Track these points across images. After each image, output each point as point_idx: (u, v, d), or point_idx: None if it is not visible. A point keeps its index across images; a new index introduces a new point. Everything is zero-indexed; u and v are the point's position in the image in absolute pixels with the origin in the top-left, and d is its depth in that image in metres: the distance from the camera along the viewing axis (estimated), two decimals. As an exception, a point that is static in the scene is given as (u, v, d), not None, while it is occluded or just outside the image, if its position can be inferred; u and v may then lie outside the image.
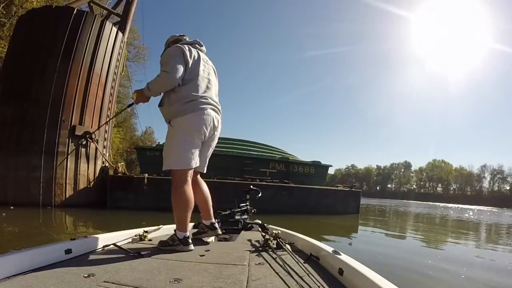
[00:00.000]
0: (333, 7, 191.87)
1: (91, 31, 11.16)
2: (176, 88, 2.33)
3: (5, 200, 9.09)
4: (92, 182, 10.79)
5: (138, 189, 10.13)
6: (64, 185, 10.00)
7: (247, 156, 13.82)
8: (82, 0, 13.95)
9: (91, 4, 14.66)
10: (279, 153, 16.44)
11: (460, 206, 62.02)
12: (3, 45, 17.36)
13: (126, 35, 13.94)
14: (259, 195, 4.05)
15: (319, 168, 16.08)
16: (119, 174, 11.04)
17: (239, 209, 3.62)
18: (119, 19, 14.77)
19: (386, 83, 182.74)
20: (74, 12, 11.10)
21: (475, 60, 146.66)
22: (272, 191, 11.97)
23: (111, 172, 11.20)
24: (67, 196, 10.04)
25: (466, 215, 24.51)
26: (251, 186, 4.09)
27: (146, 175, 10.15)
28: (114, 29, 12.24)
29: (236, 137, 15.84)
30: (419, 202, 75.91)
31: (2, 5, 19.74)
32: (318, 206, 12.80)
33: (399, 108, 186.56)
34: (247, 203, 3.87)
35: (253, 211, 3.87)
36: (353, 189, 15.62)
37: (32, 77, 10.23)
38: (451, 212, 28.66)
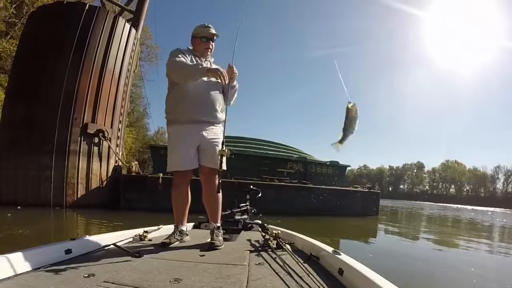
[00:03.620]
0: (338, 3, 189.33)
1: (103, 27, 10.82)
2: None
3: (15, 200, 8.80)
4: (105, 182, 10.43)
5: (153, 189, 9.70)
6: (75, 185, 9.67)
7: (264, 155, 13.35)
8: (94, -4, 13.72)
9: (103, 0, 14.42)
10: (296, 153, 15.94)
11: (475, 207, 60.43)
12: (14, 45, 17.22)
13: (139, 32, 13.62)
14: (259, 195, 4.04)
15: (337, 168, 15.52)
16: (133, 174, 10.69)
17: (239, 209, 3.63)
18: (131, 16, 14.49)
19: (397, 82, 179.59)
20: (86, 7, 10.76)
21: (486, 59, 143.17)
22: (291, 192, 11.55)
23: (124, 172, 10.86)
24: (78, 196, 9.72)
25: (488, 217, 23.55)
26: (251, 186, 4.07)
27: (161, 174, 9.73)
28: (127, 26, 11.88)
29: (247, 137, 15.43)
30: (432, 203, 74.18)
31: (13, 6, 19.71)
32: (337, 208, 12.26)
33: (411, 107, 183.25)
34: (247, 203, 3.87)
35: (253, 211, 3.87)
36: (372, 190, 15.14)
37: (43, 74, 9.93)
38: (472, 214, 27.69)
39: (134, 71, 13.20)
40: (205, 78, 2.46)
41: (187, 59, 2.48)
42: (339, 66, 2.72)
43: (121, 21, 11.53)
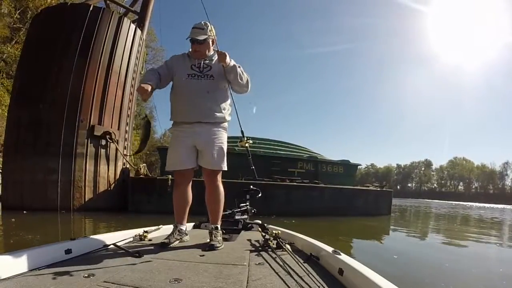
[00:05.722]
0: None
1: (108, 28, 10.62)
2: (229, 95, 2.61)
3: (21, 205, 8.64)
4: (113, 185, 10.22)
5: (162, 191, 9.45)
6: (83, 188, 9.46)
7: (274, 155, 13.10)
8: (98, -3, 13.57)
9: (108, 1, 14.28)
10: (306, 152, 15.69)
11: (485, 205, 59.65)
12: (19, 50, 17.17)
13: (145, 33, 13.43)
14: (259, 195, 4.03)
15: (348, 167, 15.23)
16: (141, 176, 10.47)
17: (239, 209, 3.65)
18: (136, 17, 14.32)
19: (402, 79, 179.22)
20: (90, 9, 10.58)
21: (491, 55, 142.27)
22: (302, 192, 11.28)
23: (132, 174, 10.66)
24: (86, 199, 9.50)
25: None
26: (251, 186, 4.04)
27: (170, 176, 9.51)
28: (133, 26, 11.68)
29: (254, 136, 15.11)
30: (441, 201, 73.23)
31: (18, 11, 19.71)
32: (350, 207, 11.98)
33: (418, 105, 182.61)
34: (247, 203, 3.90)
35: (253, 211, 3.87)
36: (384, 189, 14.85)
37: (48, 77, 9.71)
38: (491, 212, 27.05)
39: (140, 73, 13.03)
40: (195, 79, 2.42)
41: (170, 66, 2.50)
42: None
43: (126, 22, 11.34)
